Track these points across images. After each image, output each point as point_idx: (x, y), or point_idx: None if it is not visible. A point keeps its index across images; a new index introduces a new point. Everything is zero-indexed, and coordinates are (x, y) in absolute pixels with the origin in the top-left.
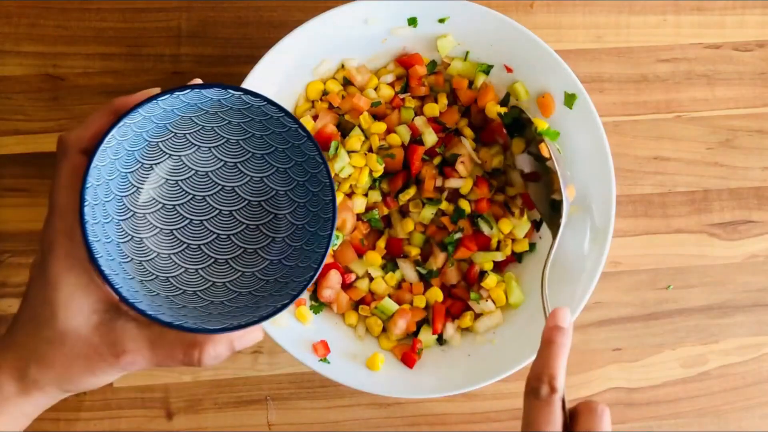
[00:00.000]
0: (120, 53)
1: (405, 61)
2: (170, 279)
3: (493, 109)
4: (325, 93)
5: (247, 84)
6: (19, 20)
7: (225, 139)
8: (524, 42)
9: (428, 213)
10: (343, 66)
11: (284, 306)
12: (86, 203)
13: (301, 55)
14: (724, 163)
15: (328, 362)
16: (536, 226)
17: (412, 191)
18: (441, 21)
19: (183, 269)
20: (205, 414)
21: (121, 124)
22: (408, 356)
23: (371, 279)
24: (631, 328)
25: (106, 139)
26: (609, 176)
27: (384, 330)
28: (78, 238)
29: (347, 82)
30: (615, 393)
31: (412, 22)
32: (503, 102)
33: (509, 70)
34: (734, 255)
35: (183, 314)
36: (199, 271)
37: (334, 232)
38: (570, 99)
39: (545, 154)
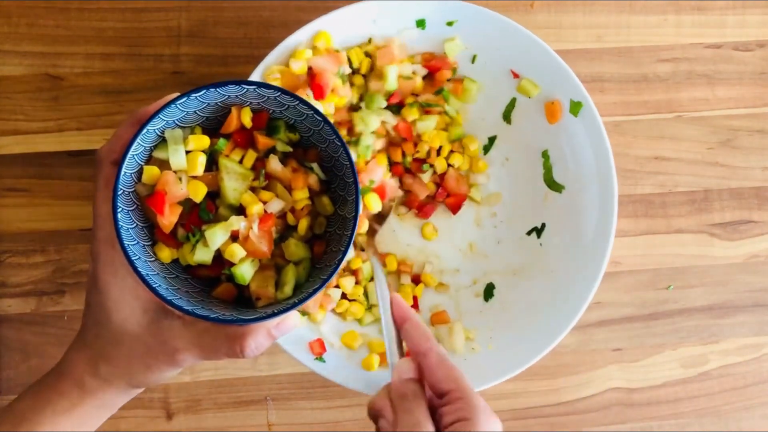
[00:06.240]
0: (120, 53)
1: (432, 65)
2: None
3: None
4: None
5: None
6: (19, 20)
7: None
8: (532, 48)
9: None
10: (370, 41)
11: (316, 291)
12: (119, 209)
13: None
14: (725, 163)
15: (324, 361)
16: (537, 233)
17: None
18: (449, 24)
19: None
20: (205, 414)
21: (144, 131)
22: None
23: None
24: (632, 328)
25: (132, 147)
26: (611, 178)
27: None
28: (119, 245)
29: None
30: (615, 393)
31: (420, 24)
32: (507, 108)
33: (516, 75)
34: (735, 255)
35: (220, 308)
36: None
37: (359, 214)
38: (576, 107)
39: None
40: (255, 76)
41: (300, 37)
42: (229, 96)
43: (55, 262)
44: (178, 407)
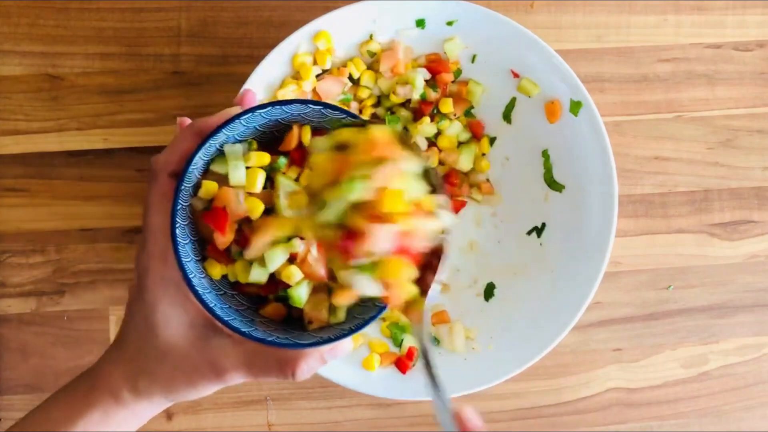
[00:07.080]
0: (120, 53)
1: (433, 67)
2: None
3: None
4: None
5: (249, 83)
6: (19, 20)
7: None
8: (532, 48)
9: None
10: (371, 37)
11: (372, 318)
12: (177, 225)
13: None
14: (725, 163)
15: None
16: (537, 232)
17: None
18: (449, 24)
19: None
20: (205, 414)
21: (206, 145)
22: (401, 362)
23: None
24: (631, 328)
25: (194, 161)
26: (611, 178)
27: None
28: (170, 259)
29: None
30: (615, 393)
31: (420, 23)
32: (507, 108)
33: (516, 75)
34: (735, 255)
35: (274, 329)
36: None
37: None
38: (576, 106)
39: None
40: (255, 76)
41: (300, 37)
42: (291, 114)
43: (55, 262)
44: (178, 407)
